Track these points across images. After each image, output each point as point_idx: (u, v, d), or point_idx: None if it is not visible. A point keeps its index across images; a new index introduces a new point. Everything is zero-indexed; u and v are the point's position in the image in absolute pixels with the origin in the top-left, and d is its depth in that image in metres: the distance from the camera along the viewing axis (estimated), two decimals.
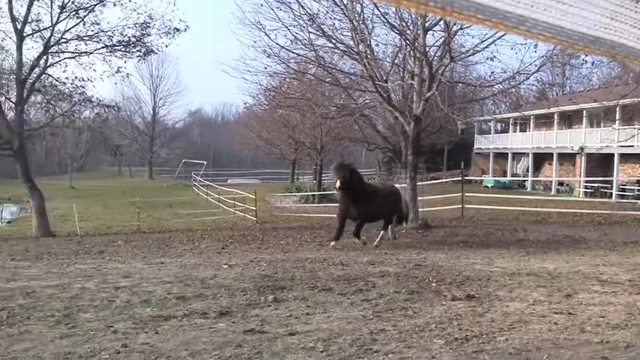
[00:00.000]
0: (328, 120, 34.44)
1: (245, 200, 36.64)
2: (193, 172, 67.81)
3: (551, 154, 45.22)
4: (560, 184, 43.85)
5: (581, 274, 11.67)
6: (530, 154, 48.43)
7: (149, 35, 31.47)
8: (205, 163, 78.39)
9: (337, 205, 21.26)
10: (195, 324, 7.80)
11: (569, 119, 46.27)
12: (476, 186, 45.09)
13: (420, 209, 24.66)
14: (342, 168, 18.22)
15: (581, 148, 40.43)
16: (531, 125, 49.54)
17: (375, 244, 18.31)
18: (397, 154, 29.62)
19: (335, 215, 20.05)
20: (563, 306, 8.68)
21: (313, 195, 44.80)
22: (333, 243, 18.04)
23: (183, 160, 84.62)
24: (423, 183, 28.94)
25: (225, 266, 13.36)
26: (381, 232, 19.16)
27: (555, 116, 44.49)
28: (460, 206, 28.52)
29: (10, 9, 28.19)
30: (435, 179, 43.99)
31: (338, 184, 17.43)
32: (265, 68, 27.41)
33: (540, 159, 48.82)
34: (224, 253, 17.63)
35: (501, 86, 25.83)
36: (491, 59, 23.72)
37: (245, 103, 63.54)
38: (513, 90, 27.39)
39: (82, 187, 66.75)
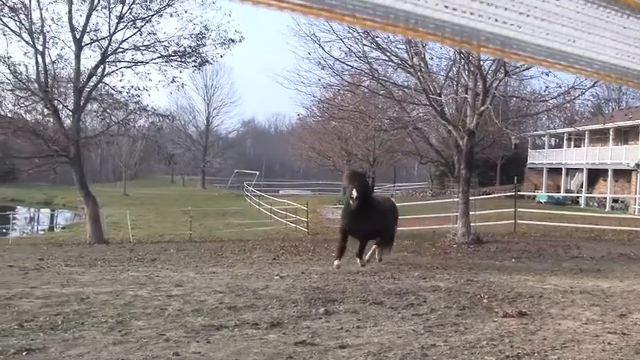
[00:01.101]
0: (381, 132, 34.52)
1: (297, 211, 36.80)
2: (245, 182, 68.18)
3: (606, 170, 44.54)
4: (615, 200, 43.12)
5: (636, 293, 11.46)
6: (585, 170, 47.72)
7: (204, 46, 32.03)
8: (258, 173, 78.84)
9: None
10: (247, 334, 7.84)
11: (625, 135, 45.49)
12: (529, 201, 44.56)
13: (472, 224, 24.48)
14: (359, 176, 16.46)
15: (637, 165, 39.80)
16: (586, 140, 48.82)
17: (366, 259, 16.96)
18: (450, 167, 29.41)
19: None
20: (617, 326, 8.53)
21: None
22: (336, 262, 15.44)
23: (236, 170, 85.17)
24: (476, 197, 28.69)
25: (277, 277, 13.41)
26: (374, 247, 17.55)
27: (611, 132, 43.75)
28: (513, 221, 28.25)
29: (70, 19, 29.01)
30: (487, 194, 43.70)
31: (354, 194, 14.88)
32: (319, 80, 27.67)
33: (595, 175, 48.06)
34: (275, 264, 17.66)
35: (556, 101, 25.56)
36: (546, 74, 23.50)
37: (298, 115, 64.19)
38: (568, 105, 27.03)
39: (135, 195, 67.71)
